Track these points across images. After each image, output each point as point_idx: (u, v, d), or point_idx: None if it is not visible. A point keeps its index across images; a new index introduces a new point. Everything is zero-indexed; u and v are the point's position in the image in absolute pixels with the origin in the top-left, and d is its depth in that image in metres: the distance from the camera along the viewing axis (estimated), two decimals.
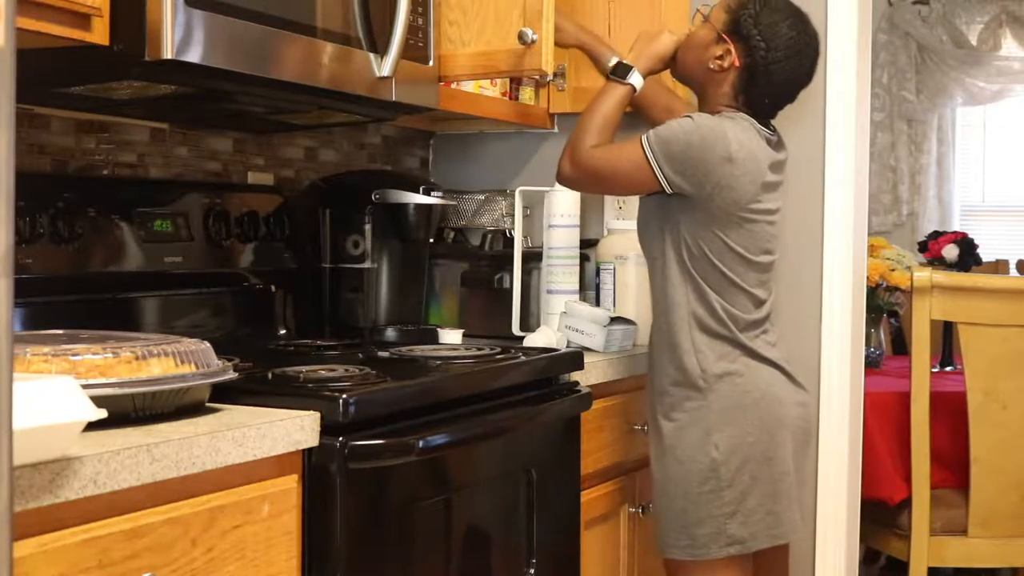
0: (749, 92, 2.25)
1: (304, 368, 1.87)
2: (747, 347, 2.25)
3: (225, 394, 1.66)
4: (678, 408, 2.26)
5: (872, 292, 3.59)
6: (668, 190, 2.20)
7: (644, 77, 2.35)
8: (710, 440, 2.22)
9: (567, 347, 2.49)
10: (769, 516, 2.23)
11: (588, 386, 2.32)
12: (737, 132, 2.20)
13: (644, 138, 2.20)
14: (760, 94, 2.26)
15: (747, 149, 2.19)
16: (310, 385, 1.77)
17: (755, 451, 2.22)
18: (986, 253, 4.98)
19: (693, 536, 2.22)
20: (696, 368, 2.24)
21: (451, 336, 2.56)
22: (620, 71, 2.34)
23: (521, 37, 2.39)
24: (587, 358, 2.36)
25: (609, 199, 2.96)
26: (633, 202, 2.92)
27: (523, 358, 2.21)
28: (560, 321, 2.59)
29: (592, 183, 2.37)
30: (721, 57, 2.25)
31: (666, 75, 2.46)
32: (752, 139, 2.22)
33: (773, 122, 2.33)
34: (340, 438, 1.67)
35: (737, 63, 2.24)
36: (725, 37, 2.23)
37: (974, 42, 6.49)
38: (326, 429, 1.67)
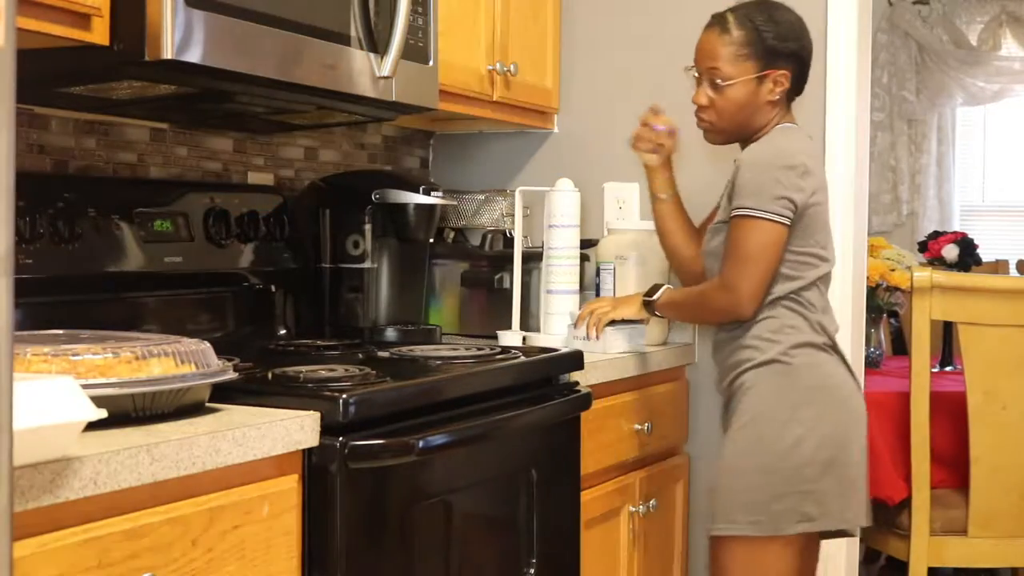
0: (790, 95, 2.32)
1: (304, 368, 1.87)
2: (827, 331, 2.29)
3: (225, 394, 1.66)
4: (761, 384, 2.25)
5: (872, 292, 3.59)
6: (790, 222, 2.21)
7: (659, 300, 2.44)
8: (796, 416, 2.21)
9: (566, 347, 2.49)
10: (841, 499, 2.24)
11: (588, 386, 2.32)
12: (805, 144, 2.31)
13: (742, 212, 2.19)
14: (798, 87, 2.32)
15: (811, 156, 2.30)
16: (310, 385, 1.77)
17: (836, 432, 2.24)
18: (986, 253, 4.98)
19: (769, 511, 2.19)
20: (782, 346, 2.24)
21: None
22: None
23: None
24: (587, 358, 2.36)
25: (609, 199, 2.96)
26: (633, 203, 2.93)
27: (523, 358, 2.22)
28: (568, 332, 2.58)
29: (761, 286, 2.22)
30: (775, 84, 2.27)
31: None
32: (809, 143, 2.35)
33: None
34: (340, 438, 1.67)
35: (788, 77, 2.27)
36: (767, 72, 2.25)
37: (974, 42, 6.49)
38: (326, 429, 1.67)
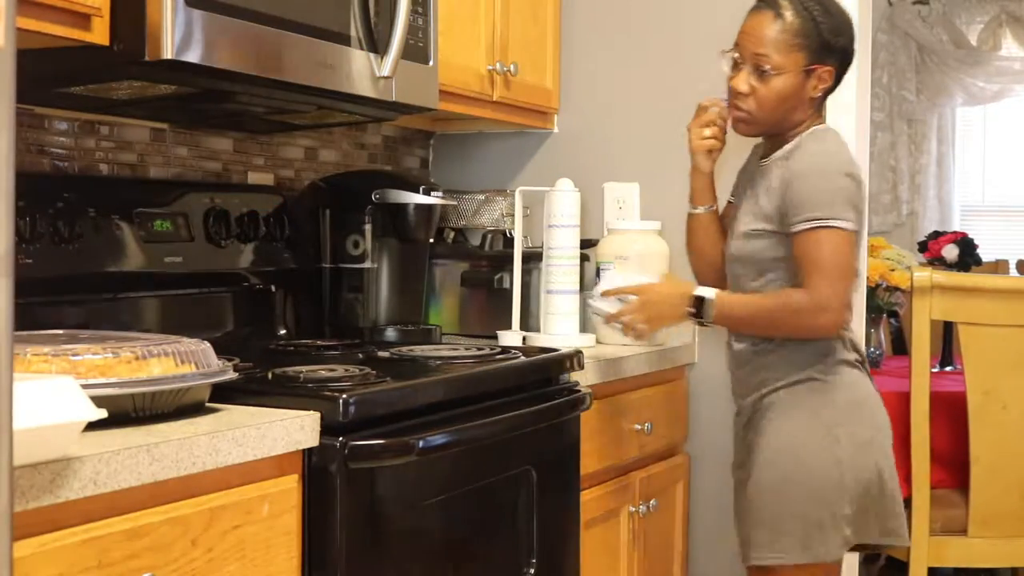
0: (828, 92, 2.21)
1: (304, 368, 1.87)
2: (857, 348, 2.23)
3: (225, 394, 1.66)
4: (797, 403, 2.17)
5: (872, 292, 3.59)
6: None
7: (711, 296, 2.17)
8: (833, 435, 2.14)
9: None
10: (884, 516, 2.19)
11: (588, 386, 2.32)
12: (850, 151, 2.21)
13: (817, 223, 2.07)
14: (835, 87, 2.21)
15: (857, 165, 2.21)
16: (310, 385, 1.77)
17: (874, 450, 2.19)
18: (986, 253, 4.98)
19: (820, 537, 2.12)
20: (818, 364, 2.16)
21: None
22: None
23: None
24: (587, 358, 2.36)
25: (609, 198, 2.96)
26: (633, 203, 2.93)
27: (523, 358, 2.22)
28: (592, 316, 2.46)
29: (850, 298, 2.14)
30: (820, 81, 2.14)
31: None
32: (850, 150, 2.24)
33: None
34: (340, 438, 1.67)
35: (832, 75, 2.16)
36: (815, 67, 2.13)
37: (974, 42, 6.49)
38: (326, 429, 1.67)
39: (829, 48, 2.13)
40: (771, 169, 2.18)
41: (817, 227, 2.07)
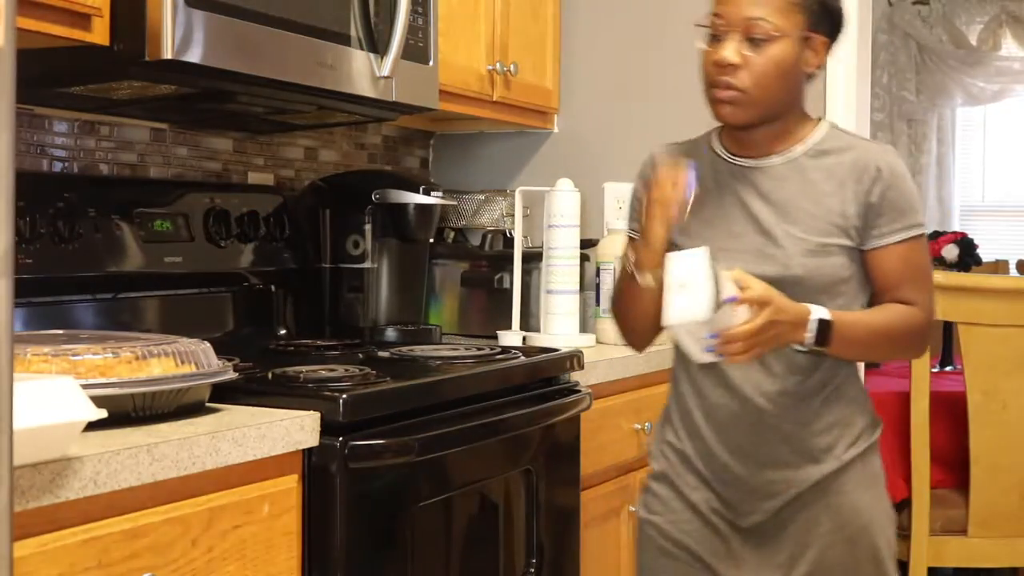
0: (816, 74, 1.84)
1: (304, 368, 1.87)
2: None
3: (225, 394, 1.66)
4: (865, 441, 1.83)
5: None
6: None
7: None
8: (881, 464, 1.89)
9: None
10: None
11: (588, 386, 2.32)
12: None
13: (918, 231, 1.80)
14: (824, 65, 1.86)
15: None
16: (310, 385, 1.77)
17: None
18: (986, 253, 4.98)
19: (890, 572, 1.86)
20: (869, 401, 1.88)
21: None
22: None
23: None
24: (587, 358, 2.36)
25: (609, 199, 2.96)
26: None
27: (523, 358, 2.22)
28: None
29: (933, 298, 1.86)
30: (815, 53, 1.79)
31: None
32: None
33: None
34: (340, 438, 1.67)
35: (827, 48, 1.82)
36: (811, 33, 1.77)
37: (974, 42, 6.49)
38: (326, 429, 1.67)
39: (827, 12, 1.79)
40: (805, 168, 1.80)
41: (920, 235, 1.80)
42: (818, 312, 1.68)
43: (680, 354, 1.81)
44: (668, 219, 1.73)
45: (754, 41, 1.73)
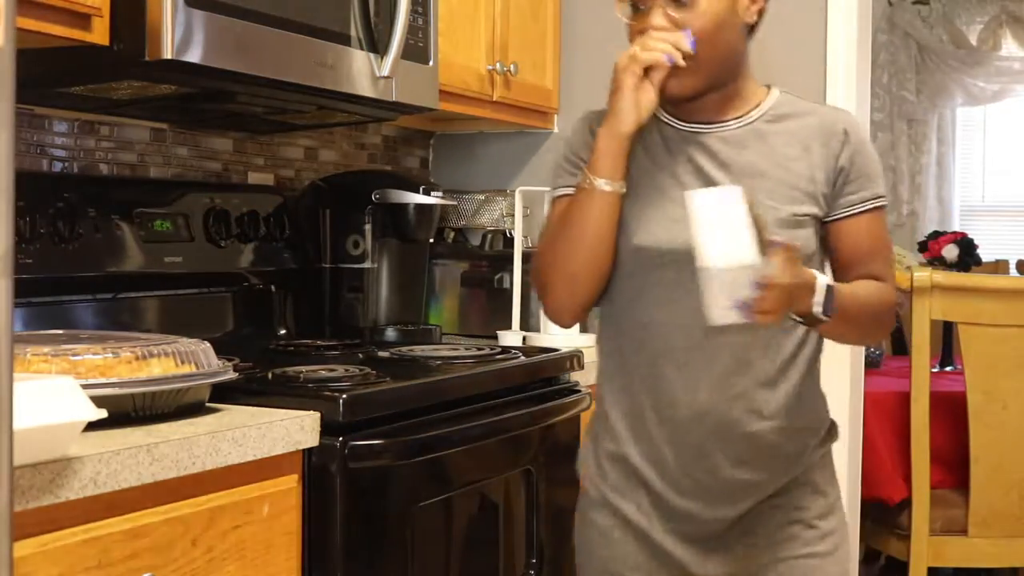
0: (756, 26, 1.67)
1: (304, 368, 1.87)
2: None
3: (225, 394, 1.67)
4: (828, 463, 1.77)
5: None
6: None
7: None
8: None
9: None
10: None
11: (588, 386, 2.32)
12: None
13: (883, 201, 1.67)
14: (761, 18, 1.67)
15: None
16: (310, 385, 1.77)
17: None
18: (986, 253, 4.98)
19: None
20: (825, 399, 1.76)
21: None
22: None
23: None
24: (587, 358, 2.36)
25: None
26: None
27: (523, 358, 2.22)
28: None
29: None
30: (752, 1, 1.62)
31: None
32: None
33: None
34: (340, 438, 1.67)
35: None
36: None
37: (974, 42, 6.49)
38: (326, 429, 1.67)
39: None
40: (765, 133, 1.64)
41: (885, 206, 1.68)
42: (823, 277, 1.52)
43: (613, 350, 1.67)
44: (649, 87, 1.55)
45: (679, 1, 1.56)
